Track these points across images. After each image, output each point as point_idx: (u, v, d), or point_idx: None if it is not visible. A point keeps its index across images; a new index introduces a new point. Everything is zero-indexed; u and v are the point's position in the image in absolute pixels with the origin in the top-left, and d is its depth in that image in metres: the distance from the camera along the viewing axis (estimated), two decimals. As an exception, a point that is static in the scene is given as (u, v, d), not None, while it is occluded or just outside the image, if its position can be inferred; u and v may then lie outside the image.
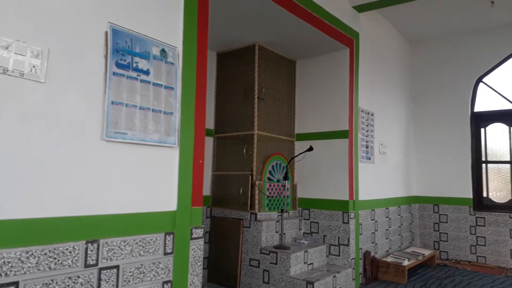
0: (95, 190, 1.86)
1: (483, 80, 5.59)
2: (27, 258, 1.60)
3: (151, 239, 2.09)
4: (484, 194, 5.53)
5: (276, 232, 3.96)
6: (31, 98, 1.64)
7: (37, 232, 1.64)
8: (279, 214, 4.06)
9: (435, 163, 5.85)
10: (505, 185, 5.42)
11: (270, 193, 4.09)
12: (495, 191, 5.49)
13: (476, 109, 5.64)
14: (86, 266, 1.81)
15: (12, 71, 1.56)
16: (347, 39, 4.25)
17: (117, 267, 1.93)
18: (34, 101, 1.64)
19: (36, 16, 1.67)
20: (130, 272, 1.99)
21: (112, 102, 1.92)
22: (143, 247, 2.05)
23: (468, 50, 5.68)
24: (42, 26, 1.69)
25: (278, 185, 4.21)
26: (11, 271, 1.55)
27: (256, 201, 3.91)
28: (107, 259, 1.89)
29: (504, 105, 5.44)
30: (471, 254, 5.41)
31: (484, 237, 5.32)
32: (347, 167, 4.15)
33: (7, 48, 1.54)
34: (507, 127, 5.44)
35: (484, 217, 5.35)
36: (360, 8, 4.38)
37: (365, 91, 4.59)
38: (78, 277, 1.78)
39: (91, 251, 1.83)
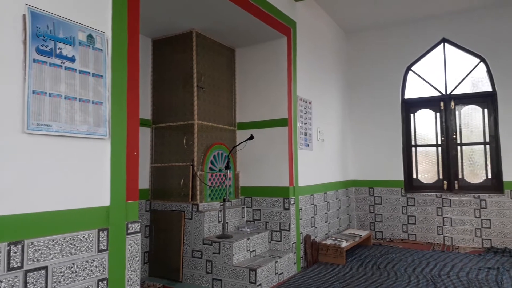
0: (17, 188, 1.72)
1: (412, 68, 5.95)
2: None
3: (83, 237, 1.98)
4: (414, 176, 5.94)
5: (219, 221, 3.95)
6: None
7: None
8: (221, 203, 4.05)
9: (369, 148, 6.17)
10: (432, 166, 5.85)
11: (212, 183, 4.06)
12: (424, 173, 5.92)
13: (406, 96, 6.01)
14: (10, 269, 1.67)
15: None
16: (285, 27, 4.29)
17: (45, 268, 1.81)
18: None
19: None
20: (61, 272, 1.87)
21: (33, 92, 1.77)
22: (74, 245, 1.94)
23: (399, 40, 6.01)
24: None
25: (220, 175, 4.19)
26: None
27: (198, 192, 3.86)
28: (33, 260, 1.76)
29: (431, 92, 5.84)
30: (403, 233, 5.80)
31: (414, 216, 5.73)
32: (287, 155, 4.23)
33: None
34: (433, 113, 5.85)
35: (414, 198, 5.76)
36: (296, -3, 4.44)
37: (303, 79, 4.69)
38: (1, 281, 1.64)
39: (15, 253, 1.69)
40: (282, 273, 3.87)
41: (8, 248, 1.67)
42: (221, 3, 3.40)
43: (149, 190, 4.17)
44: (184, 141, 4.00)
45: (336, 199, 5.52)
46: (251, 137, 4.06)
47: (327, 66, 5.56)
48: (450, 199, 5.52)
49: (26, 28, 1.76)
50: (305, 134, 4.66)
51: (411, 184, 5.93)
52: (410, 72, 5.98)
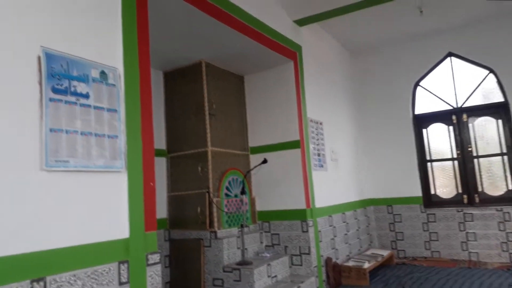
0: (37, 224, 1.74)
1: (420, 84, 5.94)
2: (-38, 306, 1.46)
3: (104, 270, 1.98)
4: (432, 191, 5.82)
5: (238, 248, 3.91)
6: (-44, 131, 1.51)
7: (-28, 277, 1.50)
8: (239, 229, 4.02)
9: (384, 166, 6.10)
10: (449, 181, 5.74)
11: (228, 209, 4.05)
12: (442, 188, 5.80)
13: (417, 112, 5.97)
14: (33, 307, 1.68)
15: None
16: (291, 52, 4.36)
17: (67, 304, 1.81)
18: (-40, 134, 1.52)
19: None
20: (83, 308, 1.87)
21: (51, 130, 1.82)
22: (96, 279, 1.94)
23: (405, 57, 6.03)
24: (-34, 54, 1.58)
25: (236, 200, 4.18)
26: None
27: (215, 219, 3.85)
28: (55, 297, 1.76)
29: (442, 106, 5.80)
30: (426, 250, 5.64)
31: (436, 232, 5.58)
32: (301, 177, 4.21)
33: None
34: (446, 127, 5.79)
35: (434, 213, 5.62)
36: (300, 22, 4.53)
37: (313, 101, 4.72)
38: (24, 320, 1.64)
39: (37, 290, 1.70)
40: (305, 298, 3.78)
41: (31, 286, 1.68)
42: (227, 33, 3.49)
43: (167, 219, 4.17)
44: (199, 168, 4.02)
45: (355, 219, 5.43)
46: (265, 161, 4.06)
47: (335, 87, 5.59)
48: (472, 213, 5.37)
49: (41, 69, 1.83)
50: (319, 155, 4.65)
51: (429, 199, 5.81)
52: (418, 87, 5.96)
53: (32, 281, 1.68)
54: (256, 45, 3.82)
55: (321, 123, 4.84)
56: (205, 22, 3.23)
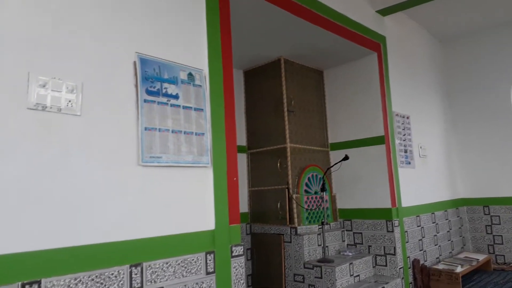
0: (135, 214, 1.92)
1: (524, 71, 5.31)
2: (76, 284, 1.66)
3: (193, 259, 2.11)
4: (539, 191, 5.19)
5: (319, 245, 3.89)
6: (69, 131, 1.72)
7: (84, 259, 1.70)
8: (319, 226, 4.00)
9: (479, 162, 5.56)
10: (561, 179, 5.05)
11: (308, 206, 4.04)
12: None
13: (520, 102, 5.35)
14: (132, 289, 1.85)
15: (50, 107, 1.66)
16: (374, 44, 4.19)
17: (161, 289, 1.96)
18: (72, 134, 1.73)
19: (68, 54, 1.77)
20: (174, 293, 2.01)
21: (146, 128, 1.99)
22: (185, 267, 2.08)
23: (503, 44, 5.43)
24: (75, 62, 1.79)
25: (316, 197, 4.15)
26: (61, 298, 1.61)
27: (295, 215, 3.87)
28: (151, 282, 1.93)
29: (551, 95, 5.13)
30: (531, 256, 5.05)
31: (544, 237, 4.97)
32: (386, 174, 4.03)
33: (44, 86, 1.64)
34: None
35: (541, 216, 5.01)
36: (384, 12, 4.32)
37: (398, 94, 4.48)
38: (124, 301, 1.82)
39: (135, 274, 1.87)
40: (390, 300, 3.63)
41: (130, 270, 1.86)
42: (307, 28, 3.47)
43: (248, 213, 4.30)
44: (278, 164, 4.07)
45: (446, 219, 5.05)
46: (346, 158, 3.96)
47: (423, 78, 5.24)
48: None
49: (136, 73, 2.00)
50: (405, 151, 4.41)
51: (536, 200, 5.18)
52: (522, 75, 5.33)
53: (131, 266, 1.86)
54: (337, 38, 3.74)
55: (408, 117, 4.58)
56: (284, 19, 3.25)
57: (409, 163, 4.45)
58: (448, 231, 5.05)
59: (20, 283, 1.51)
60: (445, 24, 5.35)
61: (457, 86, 5.84)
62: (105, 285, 1.75)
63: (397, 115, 4.37)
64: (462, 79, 5.80)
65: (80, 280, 1.67)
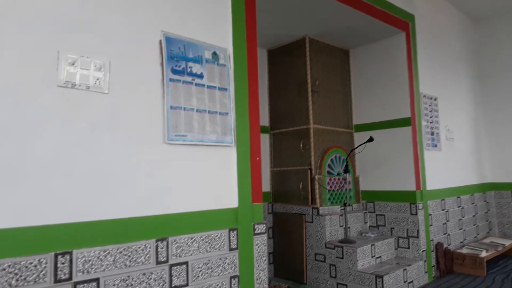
0: (161, 191, 1.97)
1: None
2: (105, 256, 1.74)
3: (216, 235, 2.16)
4: None
5: (340, 226, 3.90)
6: (97, 108, 1.77)
7: (112, 232, 1.77)
8: (342, 208, 3.99)
9: (509, 147, 5.38)
10: None
11: (331, 187, 4.04)
12: None
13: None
14: (158, 263, 1.92)
15: (79, 85, 1.70)
16: (402, 22, 4.06)
17: (186, 263, 2.03)
18: (100, 111, 1.78)
19: (96, 33, 1.80)
20: (199, 267, 2.07)
21: (171, 107, 2.01)
22: (209, 243, 2.13)
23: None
24: (102, 41, 1.82)
25: (338, 179, 4.14)
26: (92, 268, 1.69)
27: (317, 196, 3.87)
28: (176, 256, 1.99)
29: None
30: (561, 243, 4.90)
31: None
32: (411, 156, 3.96)
33: (73, 64, 1.69)
34: None
35: None
36: (414, -12, 4.17)
37: (426, 75, 4.35)
38: (151, 273, 1.89)
39: (161, 248, 1.94)
40: (412, 281, 3.62)
41: (156, 244, 1.92)
42: (333, 6, 3.39)
43: (270, 193, 4.33)
44: (301, 145, 4.06)
45: (472, 204, 4.95)
46: (371, 139, 3.91)
47: (453, 59, 5.05)
48: None
49: (162, 52, 2.02)
50: (432, 134, 4.31)
51: None
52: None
53: (157, 240, 1.92)
54: (363, 16, 3.64)
55: (435, 99, 4.46)
56: (310, -3, 3.18)
57: (436, 145, 4.35)
58: (474, 216, 4.95)
59: (53, 253, 1.59)
60: (479, 2, 5.10)
61: (490, 67, 5.61)
62: (132, 258, 1.82)
63: (424, 96, 4.26)
64: (495, 61, 5.56)
65: (109, 253, 1.75)
